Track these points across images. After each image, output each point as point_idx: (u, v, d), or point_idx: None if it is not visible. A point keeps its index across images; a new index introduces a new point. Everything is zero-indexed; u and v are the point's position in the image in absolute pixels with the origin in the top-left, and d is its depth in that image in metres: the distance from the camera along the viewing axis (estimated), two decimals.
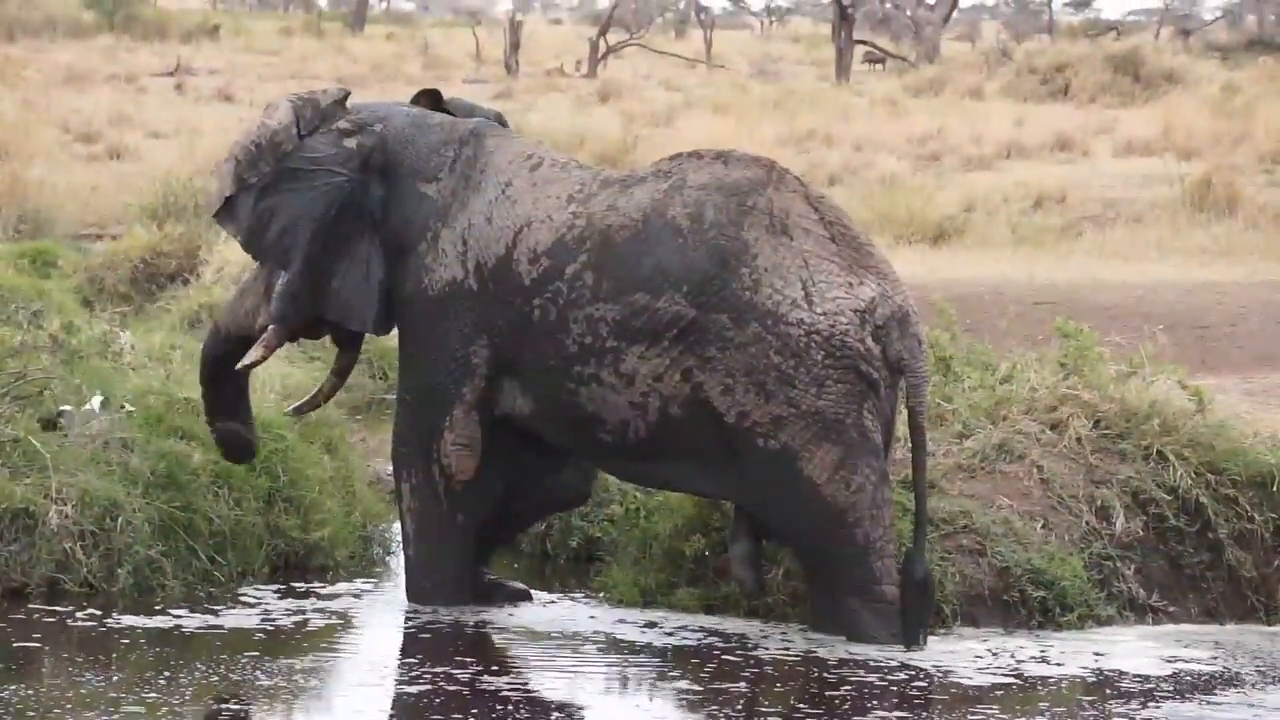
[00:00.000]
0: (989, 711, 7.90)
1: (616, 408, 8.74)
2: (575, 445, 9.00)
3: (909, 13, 53.06)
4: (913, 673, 8.37)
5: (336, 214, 9.22)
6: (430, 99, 9.63)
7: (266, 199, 9.24)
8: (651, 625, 9.09)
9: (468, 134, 9.28)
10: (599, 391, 8.76)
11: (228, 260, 16.81)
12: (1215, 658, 8.80)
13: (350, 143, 9.28)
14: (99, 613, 8.94)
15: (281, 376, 11.76)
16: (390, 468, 9.59)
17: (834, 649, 8.62)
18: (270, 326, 9.34)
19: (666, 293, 8.65)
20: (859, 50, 51.81)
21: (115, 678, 8.04)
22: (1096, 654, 8.76)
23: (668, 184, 8.86)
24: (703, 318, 8.61)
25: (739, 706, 7.92)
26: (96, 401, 9.91)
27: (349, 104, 9.44)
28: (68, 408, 9.83)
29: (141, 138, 30.37)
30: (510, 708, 7.86)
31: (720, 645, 8.77)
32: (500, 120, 9.63)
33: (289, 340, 9.60)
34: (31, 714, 7.44)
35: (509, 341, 8.93)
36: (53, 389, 9.99)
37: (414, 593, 9.27)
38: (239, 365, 9.54)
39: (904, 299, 8.70)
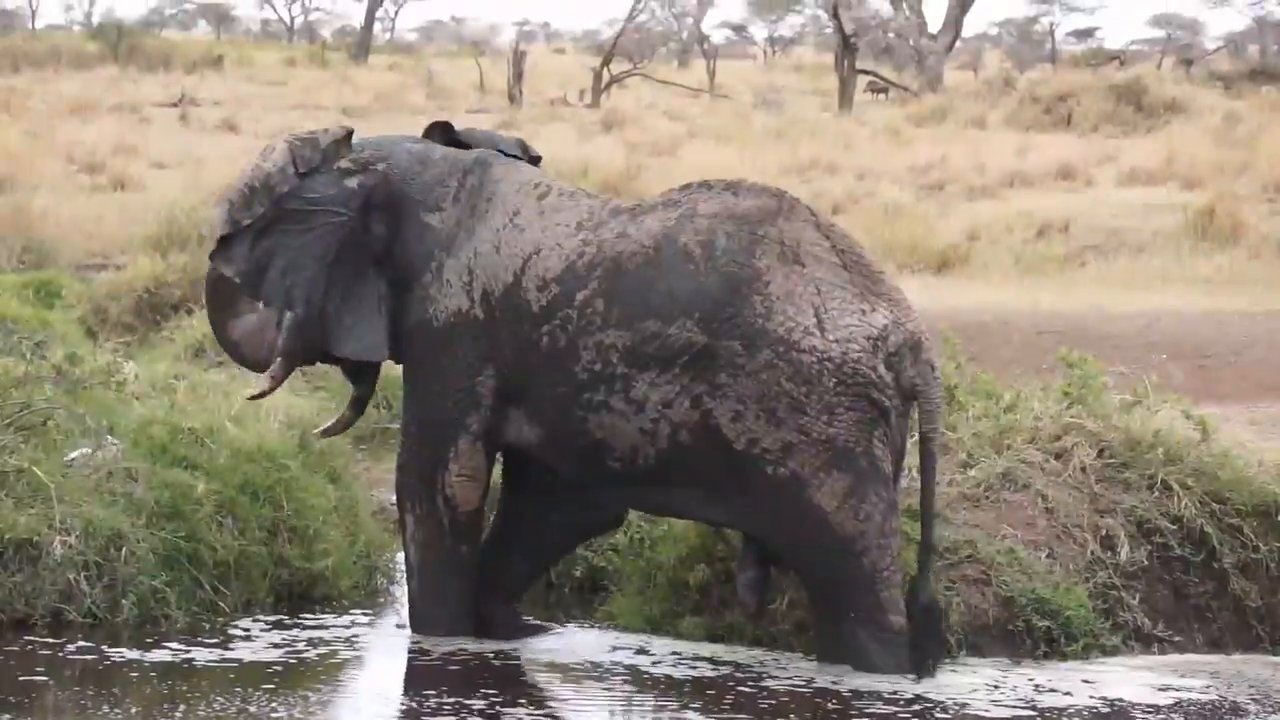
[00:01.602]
0: None
1: (626, 435, 8.74)
2: (583, 474, 8.99)
3: (912, 42, 53.11)
4: (927, 704, 8.34)
5: (339, 253, 9.21)
6: (442, 131, 9.62)
7: (263, 240, 9.25)
8: (657, 655, 9.07)
9: (472, 163, 9.29)
10: (608, 419, 8.76)
11: None
12: (1219, 687, 8.78)
13: (352, 182, 9.27)
14: (105, 644, 8.92)
15: (286, 405, 11.75)
16: (394, 498, 9.58)
17: (844, 679, 8.60)
18: (278, 360, 9.35)
19: (678, 320, 8.66)
20: (862, 80, 51.88)
21: (131, 710, 8.02)
22: (1103, 684, 8.74)
23: (678, 212, 8.86)
24: (714, 345, 8.61)
25: None
26: (111, 445, 9.90)
27: (353, 142, 9.44)
28: (79, 452, 9.81)
29: (146, 168, 30.39)
30: None
31: (728, 675, 8.76)
32: (523, 147, 9.60)
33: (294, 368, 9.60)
34: None
35: (516, 370, 8.92)
36: (57, 420, 9.99)
37: (418, 623, 9.25)
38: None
39: (916, 326, 8.70)
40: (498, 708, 8.28)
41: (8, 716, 7.77)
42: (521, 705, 8.36)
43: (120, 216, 23.59)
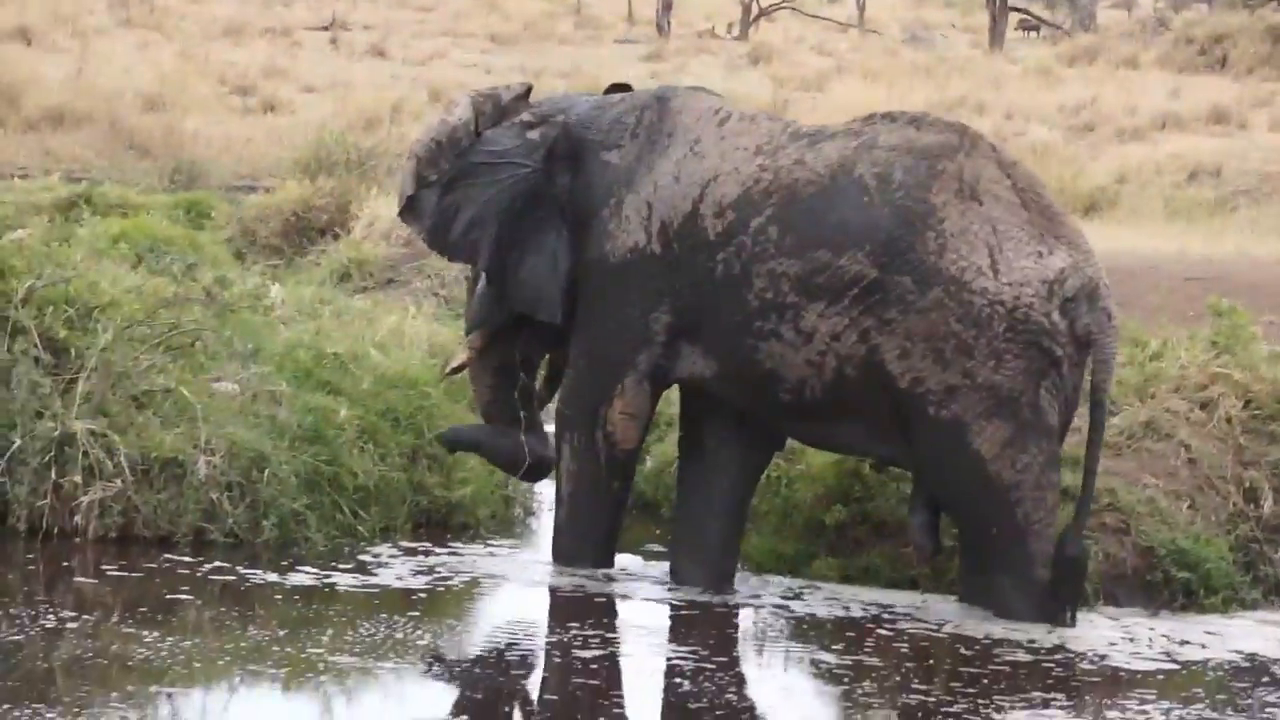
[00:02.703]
0: (1145, 695, 7.80)
1: (794, 366, 8.68)
2: (755, 405, 8.93)
3: None
4: (1067, 654, 8.28)
5: (522, 206, 9.21)
6: (622, 90, 9.58)
7: (449, 195, 9.27)
8: (792, 595, 9.07)
9: (650, 99, 9.27)
10: (778, 348, 8.71)
11: (378, 216, 16.95)
12: None
13: (534, 134, 9.27)
14: (245, 565, 9.02)
15: (429, 334, 11.83)
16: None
17: (983, 626, 8.56)
18: (474, 330, 9.39)
19: (849, 251, 8.58)
20: (1013, 17, 51.27)
21: (276, 631, 8.11)
22: (1241, 638, 8.65)
23: (858, 142, 8.78)
24: (884, 279, 8.53)
25: (884, 681, 7.88)
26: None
27: (532, 98, 9.47)
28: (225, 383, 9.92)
29: (295, 91, 30.62)
30: (646, 675, 7.88)
31: (865, 617, 8.74)
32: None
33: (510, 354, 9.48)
34: (197, 664, 7.53)
35: (691, 303, 8.88)
36: (204, 341, 10.10)
37: (561, 553, 9.28)
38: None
39: (1095, 271, 8.53)
40: (632, 642, 8.32)
41: (153, 632, 7.89)
42: (656, 640, 8.39)
43: (269, 139, 23.81)
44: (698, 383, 8.99)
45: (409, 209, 9.36)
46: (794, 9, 56.66)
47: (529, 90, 9.48)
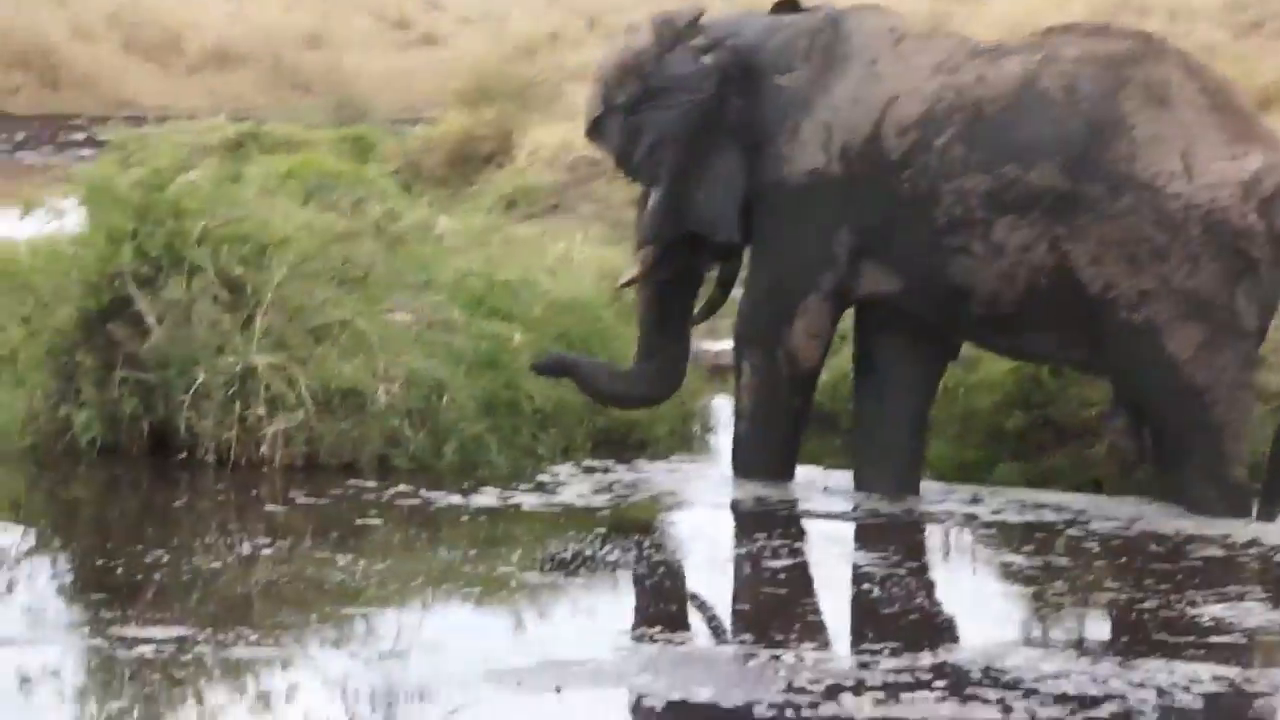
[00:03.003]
0: None
1: (985, 279, 8.64)
2: (944, 319, 8.91)
3: None
4: (1262, 548, 8.19)
5: (697, 130, 9.20)
6: (791, 8, 9.53)
7: (632, 119, 9.30)
8: (977, 501, 9.03)
9: (822, 21, 9.21)
10: (968, 263, 8.66)
11: (541, 144, 16.97)
12: None
13: (707, 59, 9.26)
14: (428, 488, 9.12)
15: (597, 260, 11.85)
16: (710, 345, 9.60)
17: (1174, 522, 8.48)
18: (645, 246, 9.42)
19: (1039, 164, 8.51)
20: None
21: (466, 550, 8.21)
22: None
23: (1040, 55, 8.70)
24: (1075, 189, 8.45)
25: (1075, 581, 7.84)
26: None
27: (703, 21, 9.45)
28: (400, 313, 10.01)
29: (452, 24, 30.71)
30: (835, 583, 7.89)
31: (1053, 520, 8.69)
32: None
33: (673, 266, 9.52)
34: (390, 586, 7.63)
35: (874, 223, 8.84)
36: (376, 273, 10.18)
37: (740, 466, 9.30)
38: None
39: None
40: (819, 551, 8.34)
41: (346, 556, 8.00)
42: (843, 549, 8.39)
43: (429, 72, 23.89)
44: (881, 299, 8.96)
45: (596, 130, 9.44)
46: None
47: (700, 14, 9.47)
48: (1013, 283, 8.60)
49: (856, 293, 9.00)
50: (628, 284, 9.64)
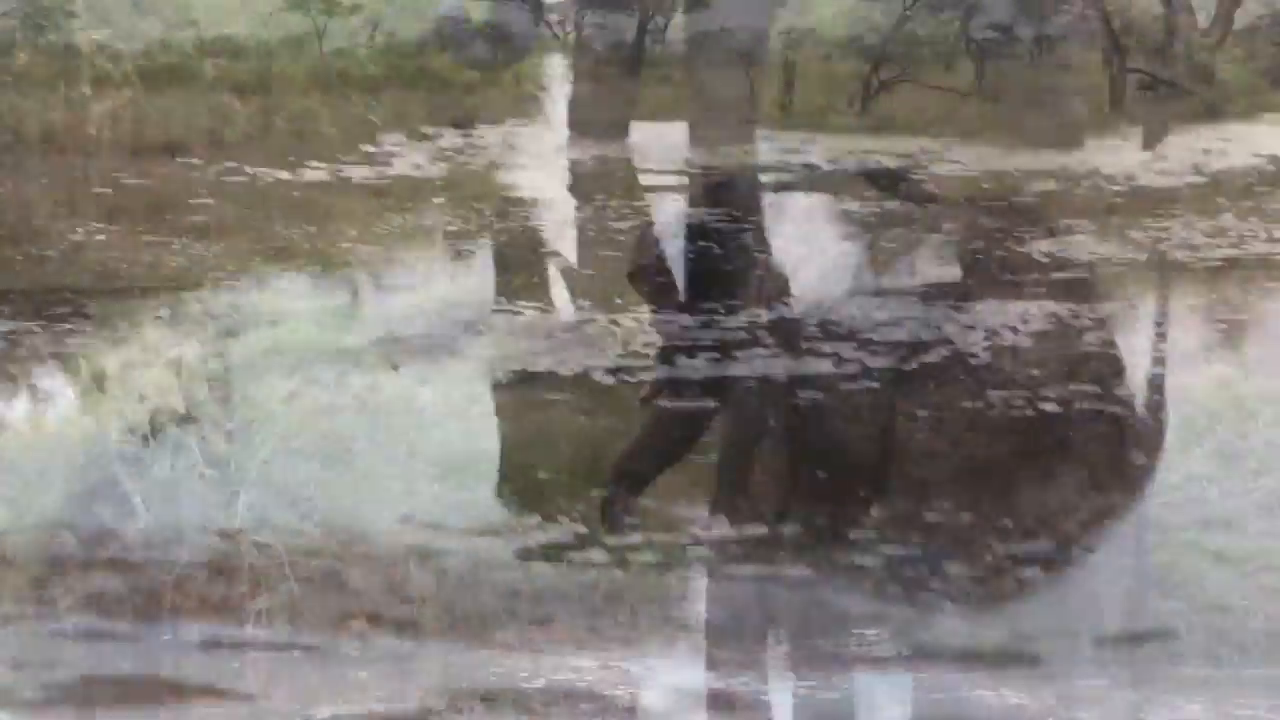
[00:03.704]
0: None
1: None
2: None
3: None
4: (1100, 178, 8.25)
5: None
6: None
7: None
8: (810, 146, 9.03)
9: None
10: None
11: None
12: None
13: None
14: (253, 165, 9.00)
15: None
16: None
17: (1014, 159, 8.52)
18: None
19: None
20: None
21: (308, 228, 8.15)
22: None
23: None
24: None
25: (911, 225, 7.87)
26: None
27: None
28: None
29: None
30: (669, 244, 7.89)
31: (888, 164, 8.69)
32: None
33: None
34: (230, 266, 7.56)
35: None
36: None
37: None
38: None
39: None
40: (655, 214, 8.32)
41: (179, 237, 7.89)
42: (674, 209, 8.36)
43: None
44: None
45: None
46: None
47: None
48: None
49: None
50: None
